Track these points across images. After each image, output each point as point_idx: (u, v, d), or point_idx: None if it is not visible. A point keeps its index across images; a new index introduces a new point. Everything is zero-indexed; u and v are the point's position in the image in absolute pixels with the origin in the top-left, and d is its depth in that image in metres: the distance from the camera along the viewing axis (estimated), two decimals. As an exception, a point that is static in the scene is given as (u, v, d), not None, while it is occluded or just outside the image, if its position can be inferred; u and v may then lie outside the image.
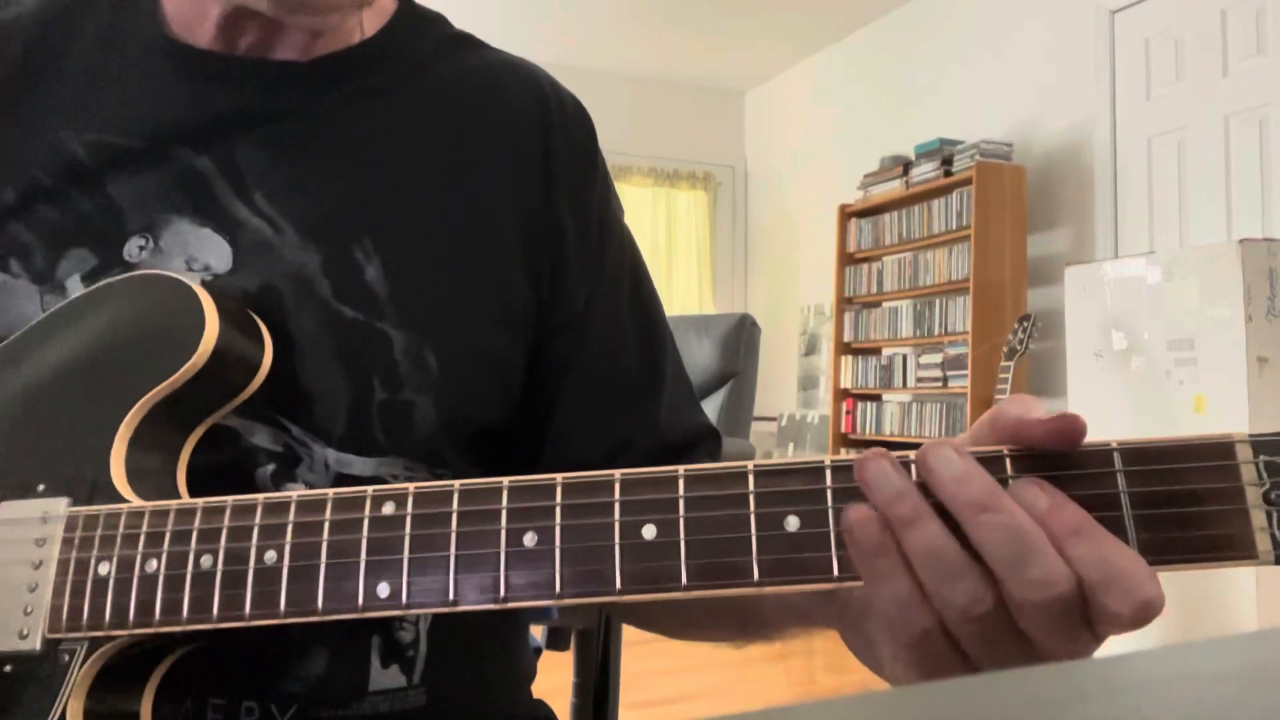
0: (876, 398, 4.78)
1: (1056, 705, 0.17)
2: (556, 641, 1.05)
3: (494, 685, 0.68)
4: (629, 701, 1.08)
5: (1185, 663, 0.20)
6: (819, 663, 3.10)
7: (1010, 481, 0.38)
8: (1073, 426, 0.38)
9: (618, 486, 0.41)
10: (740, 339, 2.28)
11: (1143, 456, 0.37)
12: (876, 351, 4.80)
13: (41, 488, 0.50)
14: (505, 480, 0.43)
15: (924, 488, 0.38)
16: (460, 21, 0.73)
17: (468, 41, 0.72)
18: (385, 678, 0.59)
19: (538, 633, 1.03)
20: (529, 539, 0.41)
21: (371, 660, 0.59)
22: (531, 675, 0.75)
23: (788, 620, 0.52)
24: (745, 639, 0.58)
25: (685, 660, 2.91)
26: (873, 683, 0.40)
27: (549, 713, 0.73)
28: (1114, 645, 0.23)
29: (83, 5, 0.66)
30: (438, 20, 0.72)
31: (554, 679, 0.96)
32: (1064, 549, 0.36)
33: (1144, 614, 0.35)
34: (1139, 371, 2.80)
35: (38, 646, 0.47)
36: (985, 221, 3.99)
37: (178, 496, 0.52)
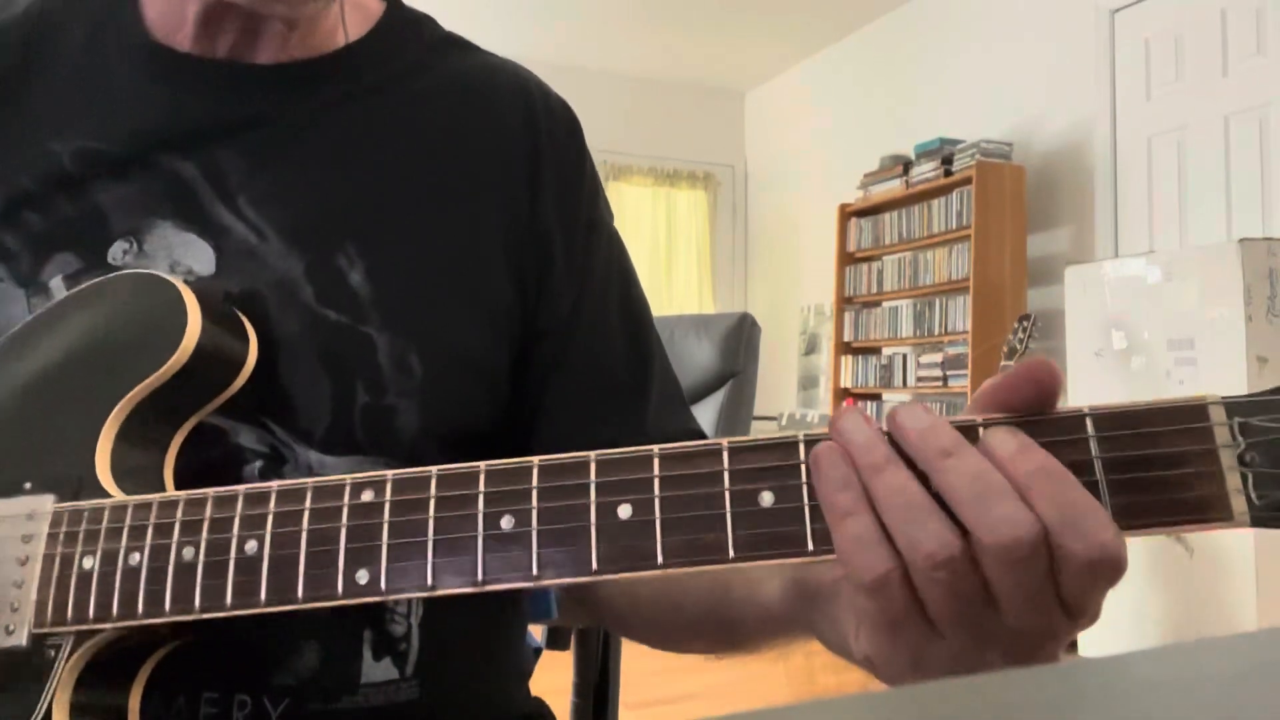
0: (876, 397, 4.78)
1: (1057, 706, 0.17)
2: (556, 641, 1.05)
3: (489, 680, 0.68)
4: (629, 701, 1.08)
5: (1185, 663, 0.20)
6: (819, 663, 3.10)
7: (982, 430, 0.38)
8: (1040, 362, 0.38)
9: (593, 467, 0.42)
10: (740, 339, 2.28)
11: (1115, 421, 0.37)
12: (876, 351, 4.81)
13: (28, 485, 0.51)
14: (482, 464, 0.43)
15: (896, 445, 0.38)
16: (460, 21, 0.73)
17: (456, 44, 0.72)
18: (378, 671, 0.59)
19: (538, 633, 1.03)
20: (506, 522, 0.42)
21: (363, 653, 0.59)
22: (529, 673, 0.75)
23: (766, 630, 0.52)
24: (725, 651, 0.58)
25: (685, 660, 2.89)
26: (872, 683, 0.40)
27: (548, 712, 0.73)
28: (1117, 645, 0.23)
29: (67, 8, 0.66)
30: (426, 22, 0.71)
31: (554, 679, 0.96)
32: (1028, 492, 0.36)
33: (1103, 558, 0.35)
34: (1139, 371, 2.79)
35: (24, 642, 0.47)
36: (985, 221, 3.99)
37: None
